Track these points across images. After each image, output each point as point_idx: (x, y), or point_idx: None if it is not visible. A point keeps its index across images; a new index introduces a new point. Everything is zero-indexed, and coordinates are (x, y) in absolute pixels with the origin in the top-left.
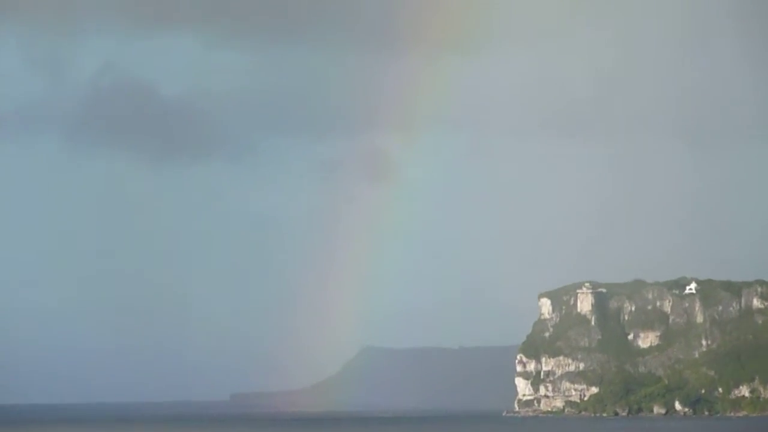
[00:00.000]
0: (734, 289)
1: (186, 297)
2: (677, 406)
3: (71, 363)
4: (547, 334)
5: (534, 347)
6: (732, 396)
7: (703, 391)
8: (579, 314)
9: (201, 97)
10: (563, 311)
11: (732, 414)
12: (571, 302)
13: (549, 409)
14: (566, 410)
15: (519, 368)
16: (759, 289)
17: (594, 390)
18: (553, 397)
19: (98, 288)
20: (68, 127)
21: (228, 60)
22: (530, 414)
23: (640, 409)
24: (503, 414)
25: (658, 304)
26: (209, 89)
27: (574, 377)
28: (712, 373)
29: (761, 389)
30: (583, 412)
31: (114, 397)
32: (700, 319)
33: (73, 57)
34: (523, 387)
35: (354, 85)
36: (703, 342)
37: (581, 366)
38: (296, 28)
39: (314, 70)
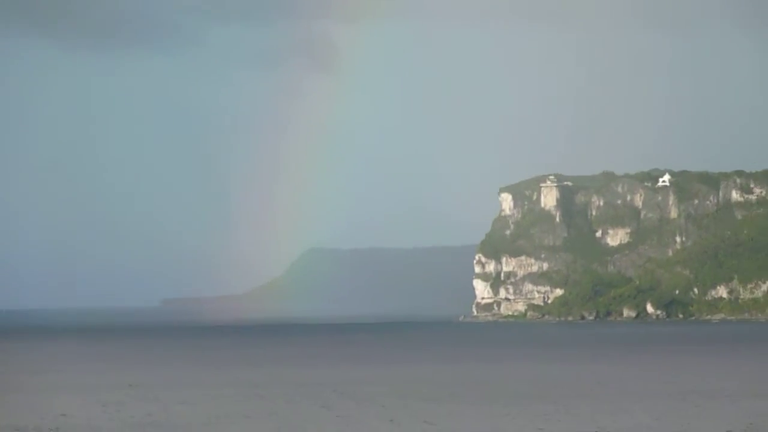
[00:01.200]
0: (711, 181)
1: (111, 197)
2: (649, 308)
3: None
4: (508, 232)
5: (494, 246)
6: (708, 298)
7: (677, 293)
8: (543, 210)
9: None
10: (525, 207)
11: (708, 317)
12: (534, 197)
13: (510, 313)
14: (528, 314)
15: (477, 269)
16: (738, 181)
17: (559, 292)
18: (514, 300)
19: (16, 185)
20: None
21: None
22: (489, 318)
23: (608, 313)
24: (460, 319)
25: (628, 198)
26: None
27: (537, 279)
28: (687, 272)
29: (740, 290)
30: (546, 316)
31: (38, 303)
32: (674, 214)
33: None
34: (481, 289)
35: None
36: (678, 239)
37: (545, 266)
38: None
39: None
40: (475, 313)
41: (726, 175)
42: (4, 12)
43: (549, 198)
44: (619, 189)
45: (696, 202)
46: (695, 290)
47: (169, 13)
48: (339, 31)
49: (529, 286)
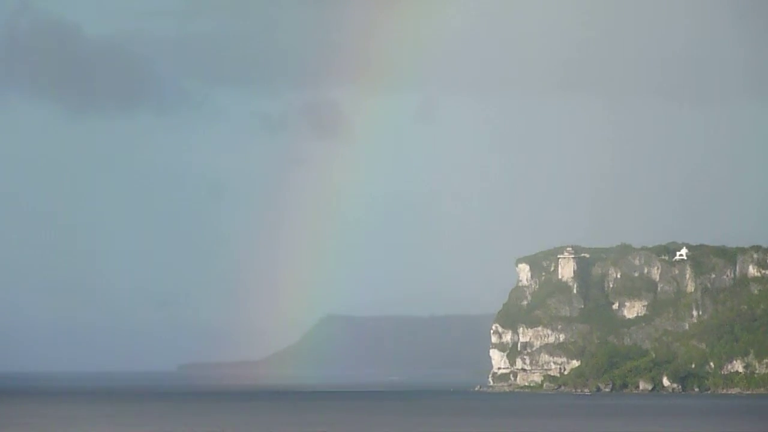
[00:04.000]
0: (728, 255)
1: (123, 265)
2: (665, 381)
3: (11, 332)
4: (524, 303)
5: (510, 317)
6: (724, 371)
7: (693, 366)
8: (560, 281)
9: (130, 41)
10: (543, 278)
11: (724, 391)
12: (552, 268)
13: (526, 384)
14: (545, 385)
15: (494, 339)
16: (755, 256)
17: (575, 363)
18: (530, 370)
19: (28, 255)
20: None
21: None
22: (505, 389)
23: (624, 385)
24: (475, 389)
25: (645, 270)
26: (139, 32)
27: (553, 349)
28: (703, 346)
29: (756, 364)
30: (562, 387)
31: (57, 366)
32: (691, 287)
33: None
34: (498, 359)
35: (301, 33)
36: (694, 313)
37: (561, 337)
38: None
39: (257, 13)
40: (491, 383)
41: (743, 250)
42: (19, 77)
43: (566, 269)
44: (636, 261)
45: (713, 276)
46: (711, 364)
47: (172, 76)
48: (345, 98)
49: (545, 357)
